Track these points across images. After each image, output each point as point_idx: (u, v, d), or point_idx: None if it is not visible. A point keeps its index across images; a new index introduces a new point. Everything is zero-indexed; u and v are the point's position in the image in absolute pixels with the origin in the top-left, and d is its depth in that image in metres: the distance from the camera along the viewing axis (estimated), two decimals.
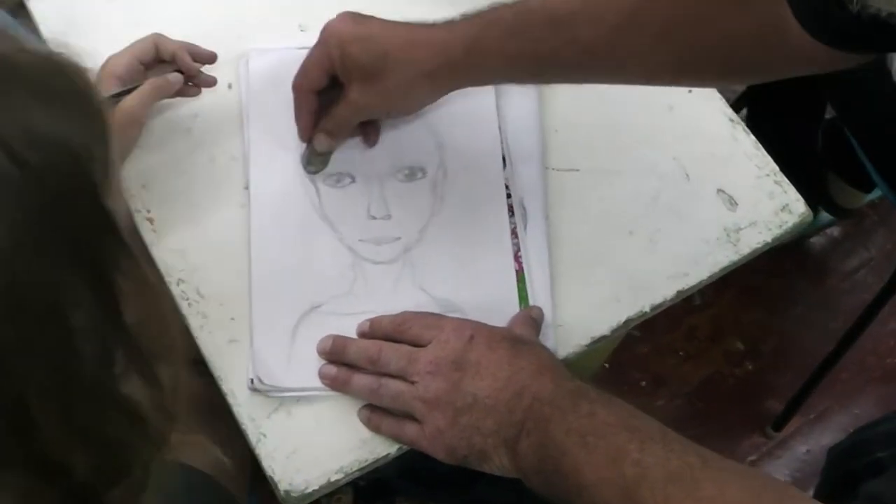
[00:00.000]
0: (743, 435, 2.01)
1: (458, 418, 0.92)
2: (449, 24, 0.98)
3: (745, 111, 1.91)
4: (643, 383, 1.97)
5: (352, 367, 0.99)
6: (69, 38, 1.14)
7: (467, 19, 0.98)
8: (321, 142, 1.07)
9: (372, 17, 1.01)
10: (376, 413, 0.99)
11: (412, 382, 0.95)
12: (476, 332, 0.95)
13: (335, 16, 1.01)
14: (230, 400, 1.01)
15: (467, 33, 0.96)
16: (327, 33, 1.01)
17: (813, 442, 2.01)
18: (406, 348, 0.97)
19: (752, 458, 1.99)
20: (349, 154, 1.10)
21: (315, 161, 1.09)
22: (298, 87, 1.05)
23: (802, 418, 2.02)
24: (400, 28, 0.99)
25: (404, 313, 1.00)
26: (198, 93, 1.11)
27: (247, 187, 1.08)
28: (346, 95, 1.02)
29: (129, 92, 1.04)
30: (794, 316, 2.12)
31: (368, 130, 1.10)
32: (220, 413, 1.11)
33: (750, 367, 2.07)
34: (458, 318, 0.99)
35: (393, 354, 0.96)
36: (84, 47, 1.10)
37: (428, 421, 0.93)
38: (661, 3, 0.93)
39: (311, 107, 1.06)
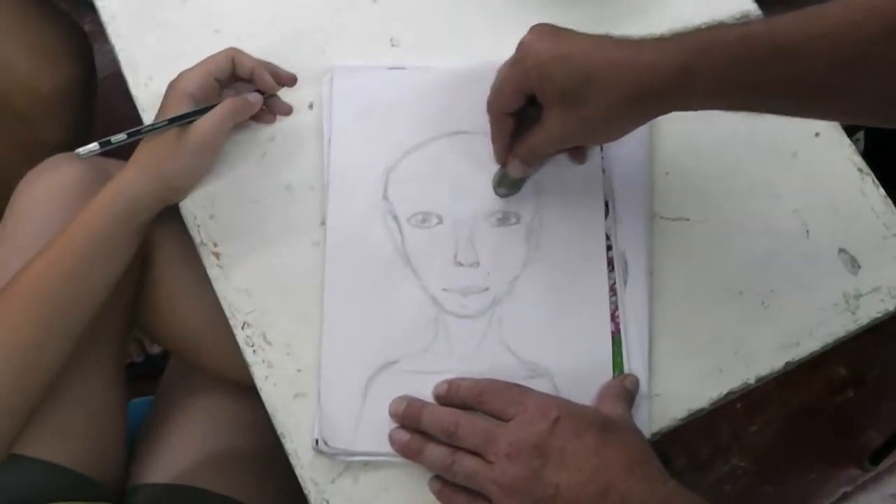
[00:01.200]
0: (838, 466, 1.91)
1: None
2: (658, 43, 0.87)
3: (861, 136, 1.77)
4: (738, 405, 1.87)
5: (425, 434, 0.91)
6: (136, 40, 1.07)
7: (679, 38, 0.86)
8: (515, 169, 0.98)
9: (571, 32, 0.91)
10: (448, 486, 0.91)
11: (489, 462, 0.86)
12: (562, 413, 0.87)
13: (530, 29, 0.92)
14: (293, 461, 0.94)
15: (679, 57, 0.85)
16: (524, 50, 0.91)
17: None
18: (484, 424, 0.88)
19: (846, 489, 1.89)
20: (438, 191, 1.01)
21: (507, 184, 1.00)
22: (493, 108, 0.96)
23: None
24: (603, 45, 0.89)
25: (485, 382, 0.92)
26: (272, 119, 1.03)
27: (323, 223, 1.00)
28: (543, 121, 0.92)
29: (203, 112, 0.97)
30: None
31: (576, 149, 1.01)
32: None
33: (851, 394, 1.96)
34: (544, 396, 0.90)
35: (470, 430, 0.88)
36: (153, 50, 1.07)
37: None
38: None
39: (507, 129, 0.97)
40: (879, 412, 1.94)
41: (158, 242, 1.12)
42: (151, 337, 1.22)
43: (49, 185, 1.08)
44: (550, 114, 0.91)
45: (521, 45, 0.91)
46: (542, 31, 0.91)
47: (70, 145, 1.44)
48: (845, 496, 1.88)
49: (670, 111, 0.90)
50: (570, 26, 0.91)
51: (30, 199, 1.08)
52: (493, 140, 0.99)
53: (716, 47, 0.83)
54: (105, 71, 1.53)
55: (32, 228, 1.05)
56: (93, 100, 1.50)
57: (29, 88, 1.35)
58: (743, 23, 0.84)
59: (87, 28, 1.70)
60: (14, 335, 0.94)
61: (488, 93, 0.96)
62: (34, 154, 1.40)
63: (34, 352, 0.95)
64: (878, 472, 1.91)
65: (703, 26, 0.86)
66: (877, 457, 1.89)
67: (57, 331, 0.95)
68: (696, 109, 0.89)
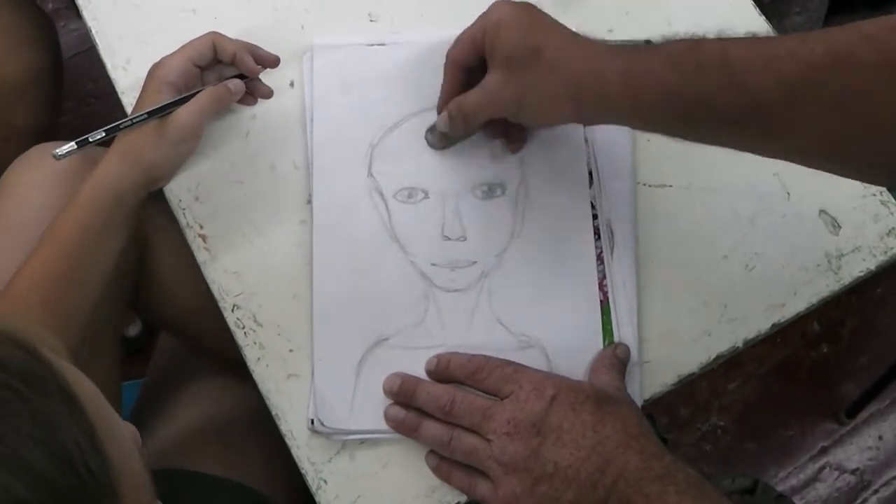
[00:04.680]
0: (816, 421, 1.94)
1: (536, 487, 0.85)
2: (615, 46, 0.88)
3: None
4: (716, 366, 1.87)
5: (421, 410, 0.92)
6: (113, 22, 1.06)
7: (635, 47, 0.87)
8: (441, 121, 0.98)
9: (539, 11, 0.91)
10: (446, 462, 0.92)
11: (487, 439, 0.87)
12: (558, 390, 0.87)
13: None
14: (289, 441, 0.94)
15: (630, 59, 0.85)
16: (491, 8, 0.92)
17: (886, 429, 1.93)
18: (481, 402, 0.89)
19: (825, 443, 1.92)
20: (423, 166, 1.01)
21: (435, 136, 1.01)
22: (448, 57, 0.97)
23: (878, 404, 1.93)
24: (563, 31, 0.89)
25: (478, 359, 0.92)
26: (253, 102, 1.03)
27: (309, 201, 1.00)
28: (482, 82, 0.92)
29: (184, 101, 0.96)
30: (874, 297, 2.02)
31: (513, 134, 1.01)
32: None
33: (826, 349, 1.98)
34: (538, 373, 0.90)
35: (466, 408, 0.89)
36: (130, 32, 1.06)
37: (503, 484, 0.86)
38: (848, 70, 0.78)
39: (455, 79, 0.97)
40: (855, 366, 1.97)
41: (154, 228, 1.11)
42: (151, 320, 1.21)
43: (38, 172, 1.07)
44: (491, 75, 0.91)
45: (490, 7, 0.92)
46: (517, 2, 0.92)
47: (39, 129, 1.44)
48: (824, 450, 1.90)
49: (610, 119, 0.91)
50: (552, 2, 0.91)
51: (19, 188, 1.07)
52: (441, 88, 0.99)
53: (665, 53, 0.83)
54: (70, 51, 1.51)
55: (22, 217, 1.03)
56: (60, 84, 1.49)
57: None
58: (697, 38, 0.84)
59: (50, 6, 1.68)
60: None
61: None
62: (4, 138, 1.39)
63: None
64: (855, 425, 1.94)
65: (658, 40, 0.87)
66: (854, 410, 1.91)
67: (62, 327, 0.94)
68: (637, 124, 0.90)
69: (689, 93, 0.82)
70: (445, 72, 0.98)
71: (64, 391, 0.57)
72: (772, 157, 0.88)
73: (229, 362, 1.13)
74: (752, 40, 0.84)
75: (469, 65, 0.95)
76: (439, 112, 0.99)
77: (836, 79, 0.77)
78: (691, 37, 0.84)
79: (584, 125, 0.94)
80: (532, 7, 0.91)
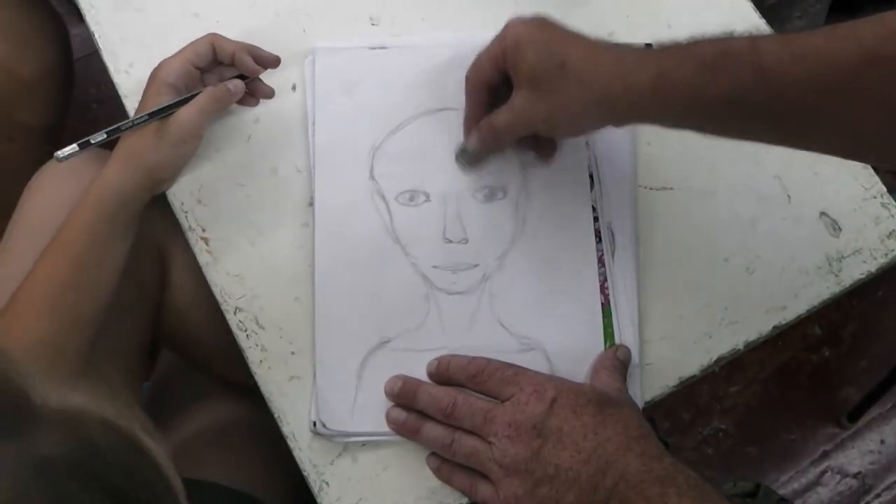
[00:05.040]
0: (817, 424, 1.94)
1: (538, 489, 0.85)
2: (639, 51, 0.87)
3: None
4: (717, 368, 1.87)
5: (422, 413, 0.92)
6: (116, 26, 1.07)
7: (661, 49, 0.86)
8: (472, 140, 0.97)
9: (558, 24, 0.91)
10: (447, 464, 0.92)
11: (488, 442, 0.87)
12: (559, 393, 0.87)
13: (519, 17, 0.92)
14: (291, 444, 0.94)
15: (659, 62, 0.84)
16: (508, 29, 0.91)
17: (888, 432, 1.93)
18: (482, 404, 0.89)
19: (826, 447, 1.91)
20: (424, 168, 1.01)
21: (465, 157, 1.00)
22: (469, 77, 0.96)
23: (879, 408, 1.93)
24: (584, 40, 0.89)
25: (478, 362, 0.92)
26: (255, 103, 1.03)
27: (311, 204, 1.00)
28: (510, 101, 0.92)
29: (184, 102, 0.96)
30: (875, 300, 2.02)
31: (544, 145, 1.00)
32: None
33: (827, 353, 1.98)
34: (539, 375, 0.91)
35: (468, 410, 0.89)
36: (133, 36, 1.06)
37: (504, 486, 0.86)
38: (880, 68, 0.77)
39: (479, 99, 0.96)
40: (856, 369, 1.96)
41: (170, 244, 1.12)
42: (166, 342, 1.22)
43: (56, 182, 1.07)
44: (518, 94, 0.91)
45: (507, 25, 0.91)
46: (532, 19, 0.91)
47: (46, 128, 1.44)
48: (825, 454, 1.90)
49: (642, 122, 0.91)
50: (551, 7, 0.91)
51: (38, 199, 1.08)
52: (466, 109, 0.99)
53: (697, 57, 0.83)
54: (74, 55, 1.52)
55: (43, 227, 1.03)
56: (70, 83, 1.50)
57: (8, 73, 1.34)
58: (725, 38, 0.83)
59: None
60: (29, 346, 0.93)
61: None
62: (14, 137, 1.39)
63: (51, 355, 0.94)
64: (856, 429, 1.94)
65: (684, 40, 0.85)
66: (855, 414, 1.91)
67: (70, 332, 0.95)
68: (668, 124, 0.89)
69: (720, 97, 0.82)
70: (467, 94, 0.97)
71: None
72: (808, 150, 0.89)
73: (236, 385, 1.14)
74: (781, 39, 0.83)
75: (491, 84, 0.95)
76: (467, 134, 0.99)
77: (867, 78, 0.77)
78: (720, 36, 0.84)
79: (610, 125, 0.94)
80: (547, 22, 0.91)
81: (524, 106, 0.90)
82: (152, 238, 1.09)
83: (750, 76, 0.80)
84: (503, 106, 0.93)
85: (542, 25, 0.90)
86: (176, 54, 0.98)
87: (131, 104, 1.03)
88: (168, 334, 1.18)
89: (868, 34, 0.78)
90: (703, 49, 0.83)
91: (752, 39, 0.82)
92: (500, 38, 0.92)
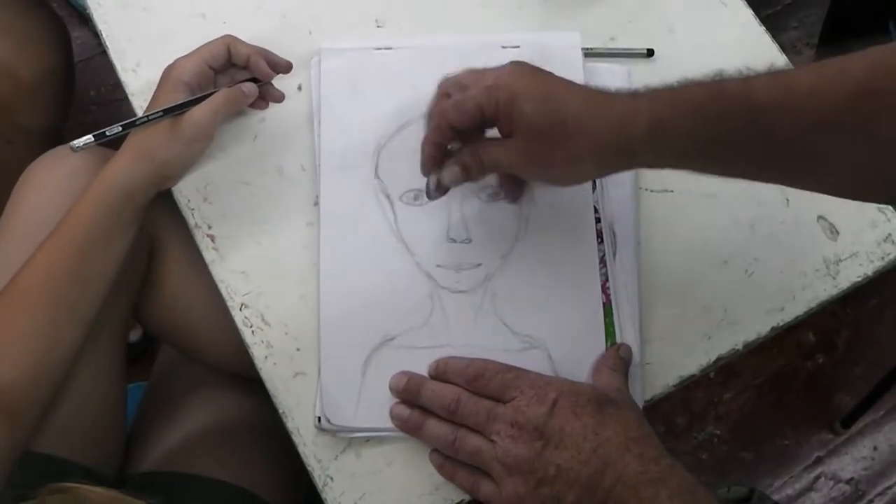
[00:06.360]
0: (811, 430, 1.95)
1: (540, 489, 0.86)
2: (631, 98, 0.86)
3: None
4: (712, 374, 1.90)
5: (426, 409, 0.93)
6: (123, 26, 1.08)
7: (653, 93, 0.86)
8: (454, 176, 0.92)
9: (547, 74, 0.89)
10: (450, 461, 0.93)
11: (491, 440, 0.88)
12: (559, 394, 0.88)
13: (509, 63, 0.90)
14: (295, 439, 0.95)
15: (652, 108, 0.84)
16: (500, 81, 0.88)
17: (881, 439, 1.95)
18: (486, 403, 0.90)
19: (820, 453, 1.93)
20: None
21: (436, 188, 0.95)
22: (447, 118, 0.91)
23: (873, 414, 1.95)
24: (579, 92, 0.88)
25: (477, 363, 0.93)
26: (265, 106, 1.04)
27: (316, 203, 1.01)
28: (508, 143, 0.89)
29: (198, 101, 0.97)
30: (868, 307, 2.03)
31: (517, 188, 1.00)
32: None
33: (821, 359, 2.00)
34: (540, 377, 0.91)
35: (472, 408, 0.90)
36: (140, 35, 1.07)
37: (506, 484, 0.87)
38: (872, 98, 0.78)
39: (447, 139, 0.92)
40: (850, 376, 1.98)
41: (164, 236, 1.13)
42: (152, 331, 1.22)
43: (54, 175, 1.08)
44: (515, 143, 0.89)
45: (498, 77, 0.89)
46: (522, 67, 0.90)
47: (46, 130, 1.45)
48: (819, 460, 1.92)
49: (640, 167, 0.92)
50: (554, 12, 0.92)
51: (35, 190, 1.08)
52: (426, 147, 0.94)
53: (691, 103, 0.83)
54: (75, 57, 1.53)
55: (39, 218, 1.04)
56: (71, 85, 1.51)
57: (9, 75, 1.35)
58: (717, 80, 0.83)
59: None
60: (24, 335, 0.94)
61: (471, 69, 0.95)
62: (14, 139, 1.40)
63: (47, 346, 0.95)
64: (850, 435, 1.95)
65: (676, 84, 0.85)
66: (849, 420, 1.92)
67: (66, 323, 0.95)
68: (665, 167, 0.89)
69: (716, 140, 0.83)
70: (436, 130, 0.93)
71: None
72: (804, 188, 0.88)
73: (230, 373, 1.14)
74: (773, 77, 0.83)
75: (465, 129, 0.92)
76: (427, 170, 0.95)
77: (859, 112, 0.78)
78: (712, 78, 0.84)
79: (608, 174, 0.94)
80: (536, 72, 0.90)
81: (523, 153, 0.89)
82: (144, 229, 1.09)
83: (744, 118, 0.81)
84: (496, 145, 0.91)
85: (534, 77, 0.89)
86: (191, 53, 1.00)
87: (139, 103, 1.04)
88: (162, 325, 1.18)
89: (858, 68, 0.79)
90: (696, 94, 0.83)
91: (745, 80, 0.82)
92: (491, 88, 0.89)
